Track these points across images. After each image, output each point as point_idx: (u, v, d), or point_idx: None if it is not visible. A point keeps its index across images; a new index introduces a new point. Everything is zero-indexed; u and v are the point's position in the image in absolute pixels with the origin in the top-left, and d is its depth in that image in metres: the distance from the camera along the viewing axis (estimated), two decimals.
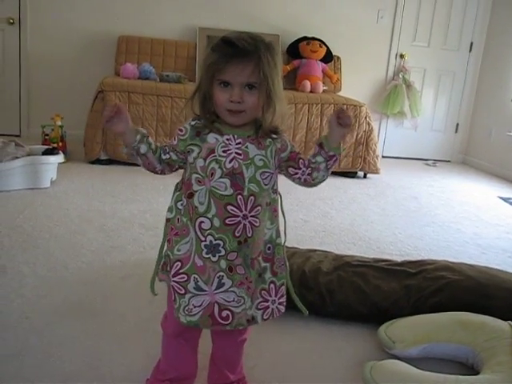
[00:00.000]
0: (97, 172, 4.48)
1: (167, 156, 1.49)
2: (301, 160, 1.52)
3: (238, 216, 1.42)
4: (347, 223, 3.67)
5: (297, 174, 1.53)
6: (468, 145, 6.73)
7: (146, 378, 1.66)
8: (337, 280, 2.24)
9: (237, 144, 1.42)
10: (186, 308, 1.44)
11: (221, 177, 1.41)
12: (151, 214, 3.44)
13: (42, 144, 4.46)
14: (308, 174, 1.53)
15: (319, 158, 1.50)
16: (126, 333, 1.98)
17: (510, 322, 1.94)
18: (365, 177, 5.25)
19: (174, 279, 1.45)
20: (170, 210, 1.53)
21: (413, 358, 1.90)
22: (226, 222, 1.41)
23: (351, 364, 1.91)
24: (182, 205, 1.48)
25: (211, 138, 1.43)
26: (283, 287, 1.53)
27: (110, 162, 4.73)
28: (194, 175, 1.43)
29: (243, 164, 1.42)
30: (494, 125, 6.21)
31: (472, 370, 1.89)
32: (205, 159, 1.42)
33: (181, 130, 1.46)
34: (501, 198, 4.94)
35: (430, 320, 2.03)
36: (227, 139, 1.42)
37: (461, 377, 1.68)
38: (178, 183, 1.51)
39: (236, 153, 1.42)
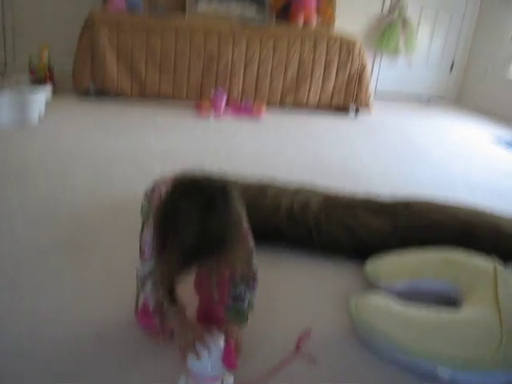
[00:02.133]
0: (86, 105, 4.42)
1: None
2: None
3: None
4: (337, 161, 3.68)
5: None
6: (463, 83, 6.66)
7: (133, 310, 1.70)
8: (325, 217, 2.26)
9: None
10: None
11: None
12: (142, 150, 3.42)
13: (29, 74, 4.37)
14: None
15: None
16: (115, 266, 2.00)
17: (493, 259, 1.97)
18: (356, 114, 5.21)
19: None
20: None
21: (397, 293, 1.94)
22: None
23: (337, 297, 1.95)
24: None
25: None
26: None
27: (99, 93, 4.66)
28: None
29: None
30: (490, 64, 6.13)
31: (453, 305, 1.93)
32: None
33: None
34: (493, 138, 4.93)
35: (416, 256, 2.06)
36: None
37: (443, 311, 1.71)
38: None
39: None
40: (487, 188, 3.45)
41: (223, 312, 1.54)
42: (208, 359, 1.33)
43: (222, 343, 1.36)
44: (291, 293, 1.94)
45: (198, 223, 1.24)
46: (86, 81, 4.58)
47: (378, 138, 4.45)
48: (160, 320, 1.42)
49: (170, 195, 1.31)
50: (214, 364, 1.34)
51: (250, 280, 1.52)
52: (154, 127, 3.99)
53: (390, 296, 1.85)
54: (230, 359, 1.35)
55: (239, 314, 1.52)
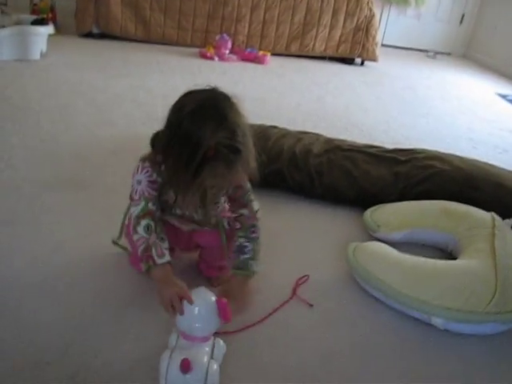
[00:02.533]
0: (88, 46, 4.36)
1: (158, 211, 1.45)
2: (231, 207, 1.55)
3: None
4: (341, 109, 3.65)
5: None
6: (471, 38, 6.56)
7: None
8: (326, 163, 2.25)
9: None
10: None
11: (169, 214, 1.51)
12: (143, 91, 3.39)
13: (31, 14, 4.29)
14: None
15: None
16: (116, 205, 1.98)
17: (493, 213, 1.96)
18: (362, 64, 5.15)
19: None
20: None
21: (395, 242, 1.94)
22: None
23: (336, 244, 1.95)
24: None
25: (167, 193, 1.45)
26: None
27: (102, 36, 4.59)
28: None
29: (193, 212, 1.50)
30: (501, 18, 6.01)
31: (451, 256, 1.94)
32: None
33: (154, 182, 1.42)
34: (499, 94, 4.88)
35: (416, 207, 2.06)
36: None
37: (439, 260, 1.72)
38: None
39: (186, 206, 1.47)
40: (491, 143, 3.43)
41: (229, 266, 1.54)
42: (195, 318, 1.26)
43: (211, 302, 1.28)
44: (290, 238, 1.94)
45: (210, 131, 1.23)
46: (89, 22, 4.52)
47: (382, 89, 4.40)
48: (147, 266, 1.37)
49: (177, 107, 1.31)
50: (203, 324, 1.27)
51: (248, 229, 1.51)
52: (158, 69, 3.94)
53: (388, 244, 1.85)
54: (224, 313, 1.27)
55: (244, 266, 1.48)
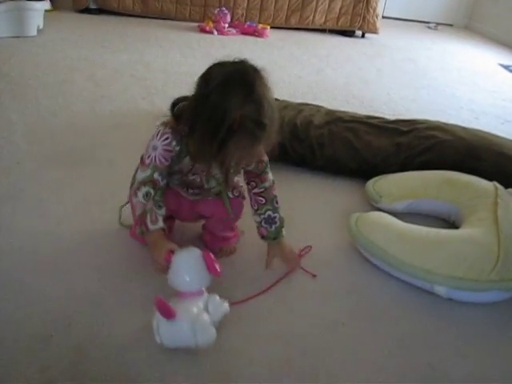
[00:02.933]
0: (86, 21, 4.32)
1: (164, 181, 1.44)
2: (252, 183, 1.56)
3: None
4: (342, 81, 3.62)
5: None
6: (473, 8, 6.48)
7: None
8: (328, 134, 2.23)
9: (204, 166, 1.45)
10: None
11: (177, 180, 1.52)
12: (142, 65, 3.37)
13: None
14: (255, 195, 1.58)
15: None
16: (116, 179, 1.98)
17: (495, 182, 1.96)
18: (363, 36, 5.10)
19: None
20: None
21: (398, 213, 1.94)
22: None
23: (338, 215, 1.95)
24: None
25: (187, 160, 1.43)
26: None
27: (99, 11, 4.55)
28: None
29: (204, 180, 1.51)
30: None
31: (453, 225, 1.94)
32: (171, 174, 1.48)
33: (170, 151, 1.39)
34: (501, 65, 4.84)
35: (418, 177, 2.05)
36: (198, 166, 1.45)
37: (442, 230, 1.72)
38: None
39: (201, 170, 1.47)
40: (492, 114, 3.41)
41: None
42: (183, 273, 1.30)
43: (198, 256, 1.32)
44: (292, 210, 1.93)
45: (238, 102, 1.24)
46: None
47: (383, 61, 4.37)
48: (140, 230, 1.41)
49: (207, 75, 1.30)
50: (191, 278, 1.31)
51: (273, 200, 1.56)
52: (156, 44, 3.91)
53: (391, 215, 1.85)
54: (211, 267, 1.32)
55: (278, 235, 1.58)
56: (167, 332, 1.23)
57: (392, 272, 1.64)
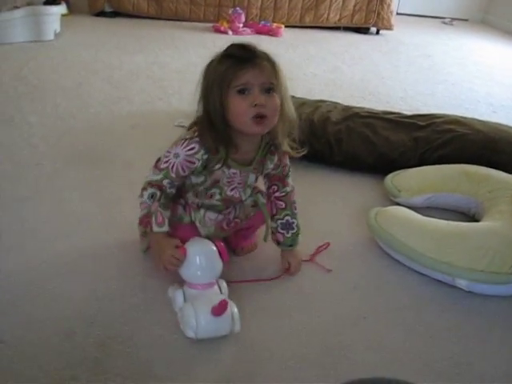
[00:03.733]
0: (101, 24, 4.35)
1: (172, 190, 1.42)
2: (274, 186, 1.54)
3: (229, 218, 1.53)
4: (358, 78, 3.61)
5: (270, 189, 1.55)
6: (489, 2, 6.42)
7: None
8: (345, 130, 2.23)
9: (241, 176, 1.44)
10: (201, 220, 1.47)
11: (218, 200, 1.46)
12: (158, 66, 3.39)
13: None
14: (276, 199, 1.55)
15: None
16: (135, 179, 1.96)
17: None
18: (377, 33, 5.08)
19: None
20: None
21: (417, 207, 1.93)
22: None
23: (357, 210, 1.95)
24: None
25: (218, 170, 1.39)
26: None
27: (115, 14, 4.58)
28: (193, 189, 1.46)
29: (242, 192, 1.48)
30: None
31: (473, 219, 1.92)
32: (208, 188, 1.44)
33: (192, 163, 1.36)
34: None
35: (437, 171, 2.04)
36: (233, 173, 1.42)
37: (462, 223, 1.71)
38: None
39: (238, 183, 1.45)
40: (510, 107, 3.37)
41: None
42: (200, 265, 1.32)
43: (211, 246, 1.35)
44: (310, 206, 1.93)
45: None
46: (101, 1, 4.52)
47: (399, 57, 4.34)
48: (143, 231, 1.43)
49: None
50: (209, 268, 1.33)
51: (292, 205, 1.54)
52: (172, 45, 3.93)
53: (410, 209, 1.84)
54: (224, 255, 1.35)
55: (294, 242, 1.55)
56: (209, 327, 1.25)
57: (412, 266, 1.64)
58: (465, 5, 6.43)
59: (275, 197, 1.53)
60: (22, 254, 1.55)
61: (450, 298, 1.55)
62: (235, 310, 1.29)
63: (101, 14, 4.55)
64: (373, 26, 5.00)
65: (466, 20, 6.46)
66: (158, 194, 1.38)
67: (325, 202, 2.00)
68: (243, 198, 1.50)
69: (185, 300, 1.33)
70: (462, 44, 5.17)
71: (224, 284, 1.38)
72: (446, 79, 3.85)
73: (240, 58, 1.29)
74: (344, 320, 1.43)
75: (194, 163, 1.36)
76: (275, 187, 1.53)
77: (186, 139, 1.36)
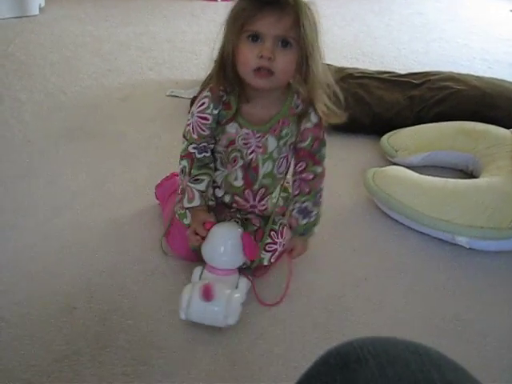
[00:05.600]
0: None
1: (204, 154, 1.31)
2: (301, 163, 1.34)
3: (244, 205, 1.38)
4: (350, 39, 3.56)
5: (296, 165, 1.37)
6: None
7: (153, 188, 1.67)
8: (339, 90, 2.20)
9: (257, 138, 1.28)
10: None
11: (240, 166, 1.32)
12: (148, 37, 3.33)
13: None
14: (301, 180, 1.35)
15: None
16: (128, 151, 1.98)
17: None
18: None
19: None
20: None
21: (414, 166, 1.91)
22: (233, 205, 1.39)
23: (354, 172, 1.93)
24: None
25: (231, 127, 1.27)
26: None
27: None
28: (219, 155, 1.33)
29: (261, 159, 1.31)
30: None
31: (471, 176, 1.91)
32: (226, 147, 1.30)
33: (205, 119, 1.26)
34: None
35: (433, 129, 2.02)
36: (246, 133, 1.27)
37: (460, 180, 1.69)
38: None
39: (256, 145, 1.29)
40: (506, 62, 3.33)
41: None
42: (220, 248, 1.25)
43: (236, 233, 1.28)
44: None
45: None
46: None
47: (391, 16, 4.27)
48: (178, 212, 1.38)
49: None
50: (227, 254, 1.26)
51: (317, 193, 1.34)
52: (160, 15, 3.86)
53: (407, 168, 1.82)
54: (249, 249, 1.26)
55: (306, 232, 1.36)
56: (198, 311, 1.20)
57: (412, 225, 1.63)
58: None
59: (301, 178, 1.33)
60: (19, 232, 1.54)
61: (451, 256, 1.55)
62: (235, 303, 1.21)
63: None
64: None
65: None
66: (188, 166, 1.30)
67: None
68: (260, 170, 1.33)
69: (199, 279, 1.28)
70: (456, 0, 5.09)
71: (244, 280, 1.29)
72: (441, 36, 3.80)
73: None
74: (345, 282, 1.43)
75: (208, 119, 1.27)
76: (303, 164, 1.33)
77: (200, 95, 1.29)
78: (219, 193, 1.39)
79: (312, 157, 1.32)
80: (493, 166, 1.78)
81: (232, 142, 1.30)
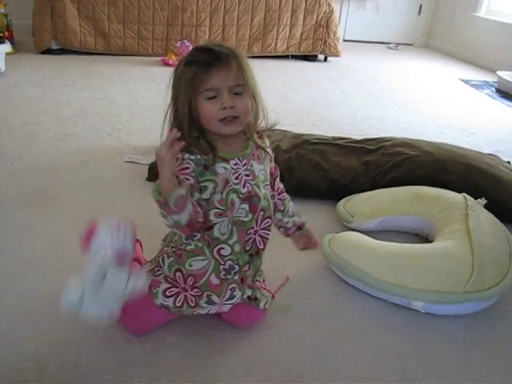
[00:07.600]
0: (48, 62, 4.30)
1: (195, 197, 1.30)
2: (276, 181, 1.53)
3: (251, 234, 1.39)
4: (307, 105, 3.65)
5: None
6: (431, 27, 6.63)
7: None
8: (295, 157, 2.24)
9: (243, 166, 1.34)
10: (190, 312, 1.42)
11: (240, 204, 1.34)
12: (107, 102, 3.35)
13: None
14: (279, 199, 1.56)
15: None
16: (82, 216, 1.95)
17: (464, 194, 1.97)
18: (325, 60, 5.18)
19: (190, 292, 1.39)
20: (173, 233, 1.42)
21: (371, 231, 1.94)
22: (245, 246, 1.39)
23: None
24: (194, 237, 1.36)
25: (220, 168, 1.30)
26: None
27: (62, 51, 4.54)
28: (213, 210, 1.32)
29: (254, 185, 1.36)
30: (457, 5, 6.10)
31: (427, 240, 1.94)
32: (222, 192, 1.31)
33: (186, 168, 1.27)
34: (462, 80, 4.93)
35: (388, 194, 2.06)
36: (235, 164, 1.32)
37: (415, 245, 1.72)
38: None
39: (245, 175, 1.34)
40: (457, 127, 3.46)
41: None
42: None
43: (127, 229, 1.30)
44: None
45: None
46: (47, 38, 4.47)
47: (347, 83, 4.42)
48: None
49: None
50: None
51: (289, 209, 1.57)
52: (120, 80, 3.90)
53: (364, 233, 1.84)
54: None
55: (303, 223, 1.59)
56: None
57: (369, 291, 1.64)
58: (409, 30, 6.61)
59: (279, 198, 1.55)
60: None
61: (408, 321, 1.55)
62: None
63: (48, 51, 4.51)
64: (320, 53, 5.09)
65: (411, 45, 6.65)
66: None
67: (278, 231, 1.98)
68: (260, 194, 1.36)
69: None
70: (408, 67, 5.30)
71: (142, 275, 1.27)
72: (395, 102, 3.93)
73: (204, 62, 1.24)
74: (304, 350, 1.42)
75: (188, 168, 1.27)
76: (281, 186, 1.56)
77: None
78: (226, 251, 1.36)
79: (276, 183, 1.53)
80: (447, 230, 1.81)
81: (227, 182, 1.31)
